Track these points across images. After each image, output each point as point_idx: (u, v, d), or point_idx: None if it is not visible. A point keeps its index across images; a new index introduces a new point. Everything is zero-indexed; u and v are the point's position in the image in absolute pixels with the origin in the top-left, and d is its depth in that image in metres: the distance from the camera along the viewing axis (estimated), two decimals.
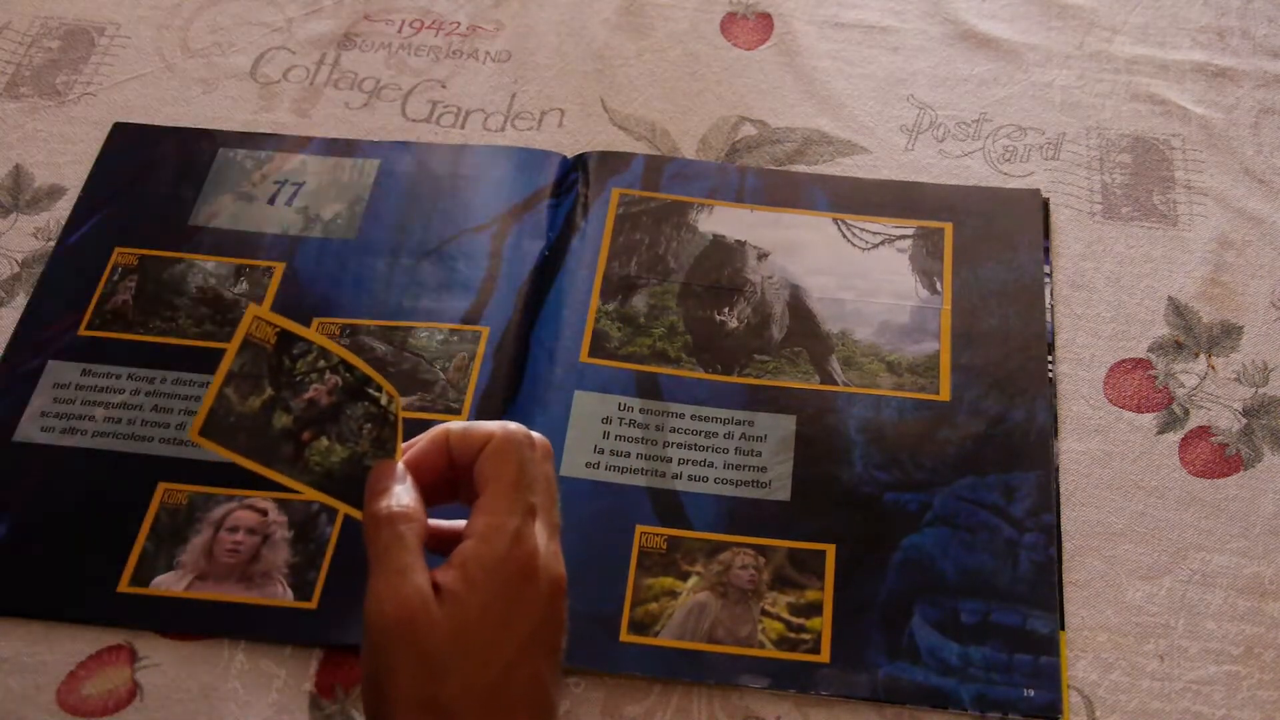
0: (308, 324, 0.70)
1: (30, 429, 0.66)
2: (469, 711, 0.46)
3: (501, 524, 0.49)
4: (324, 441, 0.53)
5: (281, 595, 0.61)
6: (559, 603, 0.50)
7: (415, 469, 0.51)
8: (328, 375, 0.53)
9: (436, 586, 0.47)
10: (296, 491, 0.52)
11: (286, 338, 0.52)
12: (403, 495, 0.50)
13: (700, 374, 0.68)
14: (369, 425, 0.53)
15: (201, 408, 0.51)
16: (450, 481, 0.52)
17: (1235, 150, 0.77)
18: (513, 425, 0.51)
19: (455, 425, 0.52)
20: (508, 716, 0.47)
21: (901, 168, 0.77)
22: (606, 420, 0.66)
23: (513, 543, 0.48)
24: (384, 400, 0.53)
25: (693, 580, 0.62)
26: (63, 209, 0.75)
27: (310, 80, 0.82)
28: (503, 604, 0.48)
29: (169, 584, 0.62)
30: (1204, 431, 0.67)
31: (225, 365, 0.51)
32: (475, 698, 0.47)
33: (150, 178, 0.77)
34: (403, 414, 0.53)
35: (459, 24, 0.85)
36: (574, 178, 0.75)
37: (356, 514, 0.52)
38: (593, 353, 0.68)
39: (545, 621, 0.49)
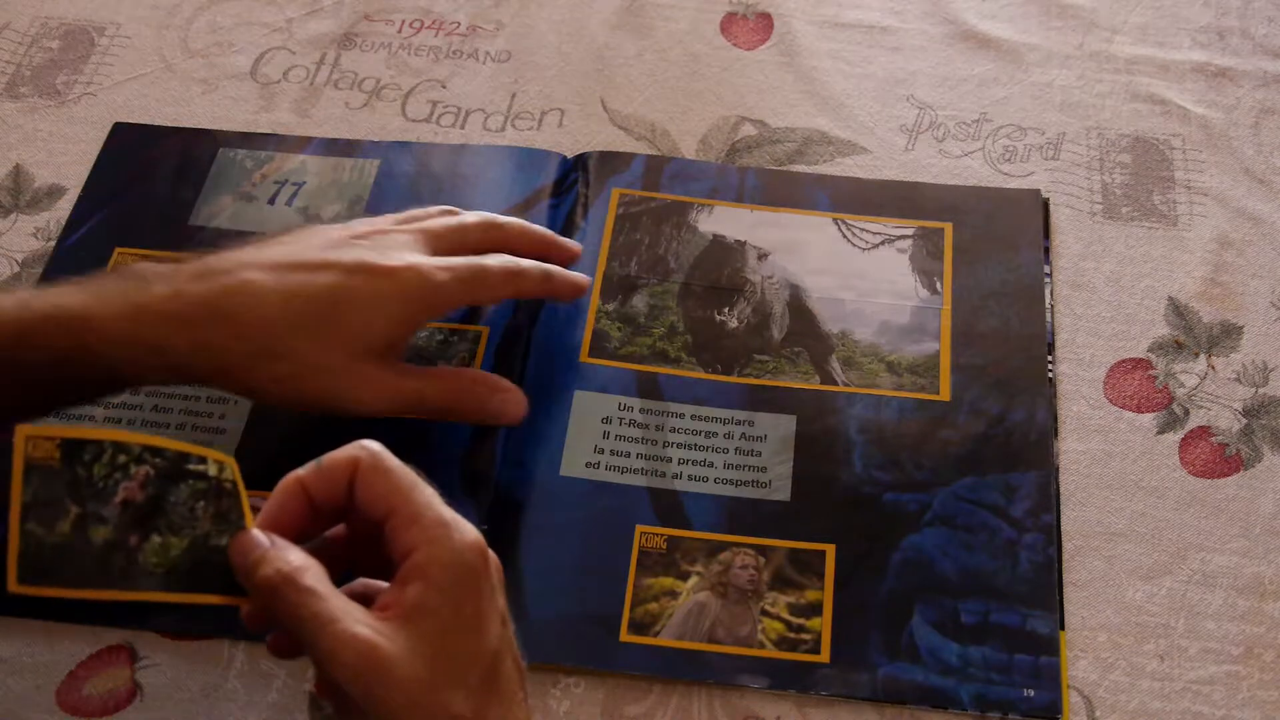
0: None
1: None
2: (476, 714, 0.45)
3: (436, 519, 0.47)
4: (155, 539, 0.47)
5: None
6: (503, 581, 0.49)
7: (276, 529, 0.48)
8: (133, 469, 0.47)
9: (390, 611, 0.45)
10: (156, 604, 0.47)
11: (72, 447, 0.46)
12: (284, 551, 0.46)
13: (700, 374, 0.68)
14: (202, 503, 0.48)
15: (9, 557, 0.44)
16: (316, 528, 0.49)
17: (1235, 150, 0.77)
18: (365, 441, 0.48)
19: (302, 469, 0.49)
20: (510, 700, 0.47)
21: (901, 168, 0.77)
22: (606, 420, 0.66)
23: (456, 533, 0.47)
24: (212, 471, 0.48)
25: (693, 580, 0.62)
26: (63, 209, 0.75)
27: (310, 80, 0.82)
28: (474, 597, 0.47)
29: None
30: (1204, 431, 0.67)
31: (16, 499, 0.45)
32: (476, 704, 0.46)
33: (150, 178, 0.77)
34: (240, 480, 0.48)
35: (459, 24, 0.85)
36: (574, 178, 0.75)
37: (234, 601, 0.48)
38: (593, 353, 0.68)
39: (502, 594, 0.49)
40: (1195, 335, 0.70)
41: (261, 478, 0.64)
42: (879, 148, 0.78)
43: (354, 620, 0.44)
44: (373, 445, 0.48)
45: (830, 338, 0.69)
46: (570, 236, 0.72)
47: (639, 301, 0.70)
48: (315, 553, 0.47)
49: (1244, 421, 0.67)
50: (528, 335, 0.69)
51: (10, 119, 0.80)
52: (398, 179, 0.76)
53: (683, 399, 0.67)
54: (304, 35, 0.84)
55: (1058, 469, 0.65)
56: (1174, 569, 0.62)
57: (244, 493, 0.49)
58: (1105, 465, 0.66)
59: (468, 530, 0.47)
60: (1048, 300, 0.70)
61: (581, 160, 0.76)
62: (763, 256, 0.72)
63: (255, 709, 0.59)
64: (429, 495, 0.48)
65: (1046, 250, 0.73)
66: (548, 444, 0.66)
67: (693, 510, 0.63)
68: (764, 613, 0.61)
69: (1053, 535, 0.63)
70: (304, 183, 0.76)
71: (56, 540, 0.45)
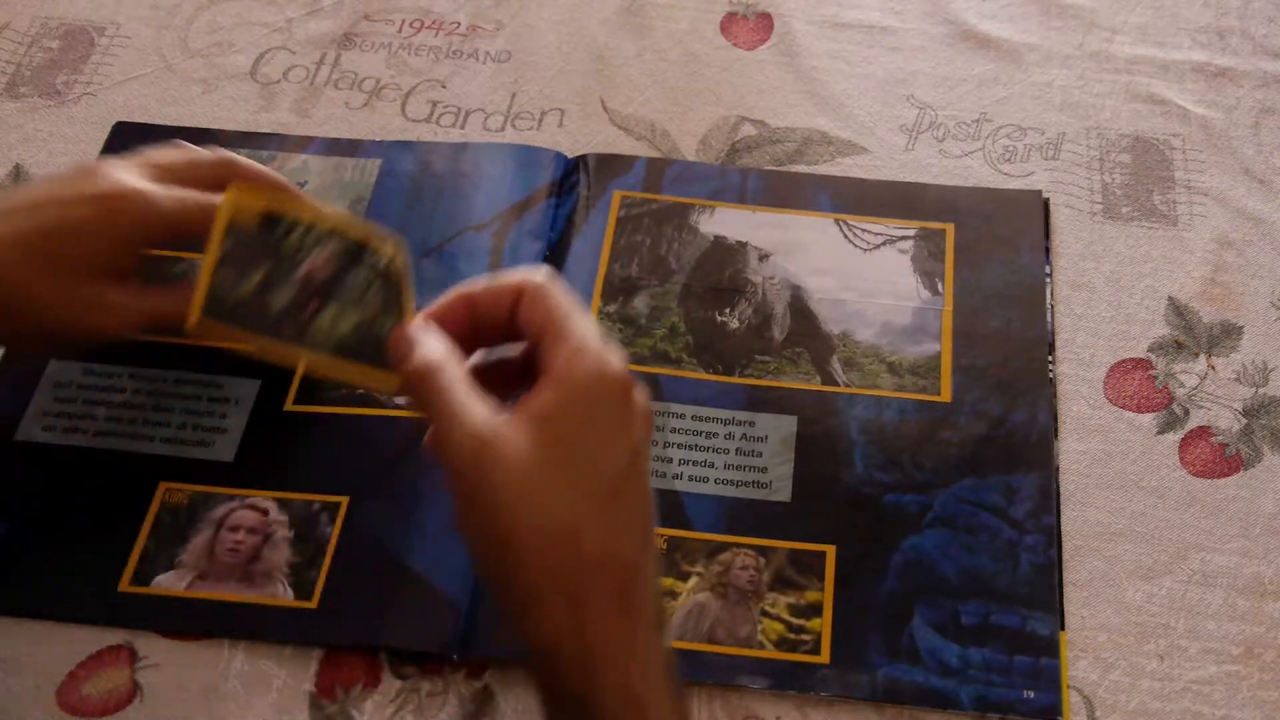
0: None
1: (31, 428, 0.66)
2: (589, 522, 0.45)
3: (584, 337, 0.47)
4: (330, 311, 0.52)
5: (282, 595, 0.61)
6: (651, 430, 0.49)
7: (440, 320, 0.50)
8: (319, 248, 0.52)
9: (519, 412, 0.46)
10: (313, 371, 0.51)
11: (271, 220, 0.52)
12: (431, 343, 0.48)
13: (701, 374, 0.68)
14: (374, 287, 0.52)
15: (197, 294, 0.50)
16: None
17: (1235, 150, 0.77)
18: (535, 270, 0.49)
19: (475, 284, 0.50)
20: (630, 524, 0.46)
21: (901, 168, 0.77)
22: None
23: (602, 355, 0.47)
24: (383, 262, 0.53)
25: (693, 580, 0.62)
26: None
27: (310, 80, 0.82)
28: (605, 416, 0.46)
29: (169, 583, 0.62)
30: (1204, 431, 0.67)
31: (213, 252, 0.51)
32: (589, 510, 0.45)
33: None
34: (408, 269, 0.52)
35: (459, 24, 0.85)
36: (575, 179, 0.75)
37: (382, 385, 0.52)
38: None
39: (646, 443, 0.48)
40: (1195, 335, 0.70)
41: (262, 478, 0.65)
42: (879, 148, 0.78)
43: (477, 415, 0.46)
44: (540, 274, 0.49)
45: (831, 338, 0.69)
46: (571, 238, 0.73)
47: (640, 303, 0.70)
48: (486, 368, 0.50)
49: (1244, 421, 0.67)
50: None
51: (10, 119, 0.80)
52: (400, 178, 0.76)
53: (684, 400, 0.67)
54: (304, 35, 0.84)
55: (1058, 469, 0.65)
56: (1174, 569, 0.62)
57: (409, 282, 0.53)
58: (1105, 465, 0.66)
59: (615, 357, 0.47)
60: (1048, 300, 0.70)
61: (582, 161, 0.76)
62: (764, 257, 0.72)
63: (255, 709, 0.59)
64: (586, 321, 0.48)
65: (1047, 250, 0.73)
66: None
67: (693, 511, 0.63)
68: (764, 613, 0.61)
69: (1053, 537, 0.63)
70: (305, 182, 0.76)
71: (240, 294, 0.51)
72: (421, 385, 0.47)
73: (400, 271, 0.52)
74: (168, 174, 0.60)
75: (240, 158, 0.63)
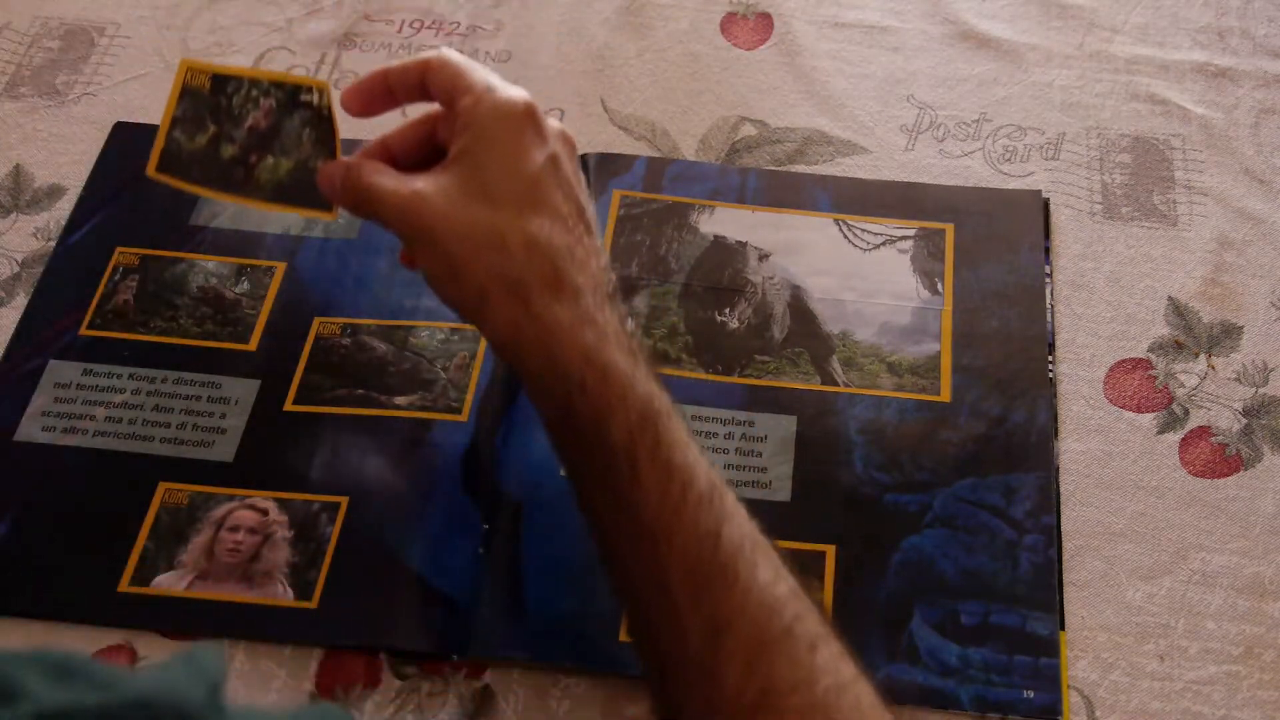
0: (310, 323, 0.70)
1: (31, 428, 0.66)
2: (510, 224, 0.52)
3: (484, 83, 0.55)
4: (269, 160, 0.60)
5: (282, 595, 0.61)
6: (572, 147, 0.57)
7: (360, 102, 0.59)
8: (261, 100, 0.60)
9: (439, 165, 0.55)
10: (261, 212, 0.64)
11: (220, 80, 0.60)
12: (351, 163, 0.57)
13: (701, 374, 0.68)
14: (307, 130, 0.60)
15: (154, 149, 0.60)
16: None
17: (1235, 150, 0.77)
18: (441, 49, 0.57)
19: (390, 64, 0.58)
20: (555, 217, 0.53)
21: (901, 168, 0.77)
22: None
23: (499, 91, 0.55)
24: (315, 99, 0.59)
25: None
26: (63, 209, 0.75)
27: None
28: (513, 136, 0.54)
29: (169, 584, 0.62)
30: (1204, 431, 0.67)
31: (168, 112, 0.60)
32: (509, 214, 0.52)
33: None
34: (333, 107, 0.59)
35: (459, 24, 0.85)
36: None
37: (322, 213, 0.60)
38: None
39: (565, 155, 0.56)
40: (1195, 335, 0.70)
41: (261, 478, 0.65)
42: (879, 148, 0.78)
43: (401, 183, 0.54)
44: (445, 50, 0.57)
45: (831, 338, 0.69)
46: None
47: (640, 302, 0.70)
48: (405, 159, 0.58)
49: (1244, 421, 0.67)
50: None
51: (10, 119, 0.80)
52: None
53: (683, 399, 0.67)
54: (304, 35, 0.84)
55: (1058, 469, 0.65)
56: (1174, 569, 0.62)
57: (336, 119, 0.60)
58: (1105, 465, 0.66)
59: (515, 92, 0.55)
60: (1048, 300, 0.70)
61: (582, 161, 0.76)
62: (764, 257, 0.72)
63: None
64: (484, 72, 0.56)
65: (1047, 250, 0.73)
66: (548, 444, 0.65)
67: None
68: None
69: (1053, 537, 0.63)
70: None
71: (194, 149, 0.60)
72: (350, 185, 0.56)
73: (328, 109, 0.59)
74: None
75: None
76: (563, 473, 0.64)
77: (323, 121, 0.59)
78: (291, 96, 0.59)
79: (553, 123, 0.56)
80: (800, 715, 0.44)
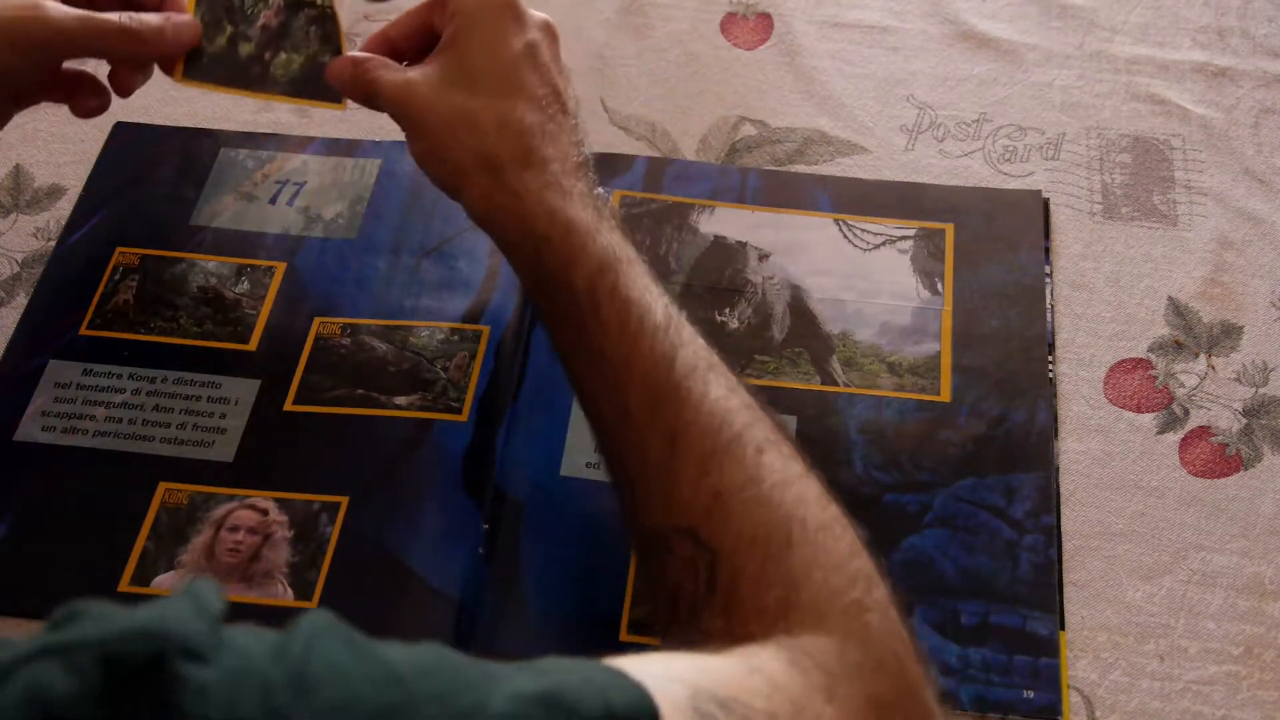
0: (310, 323, 0.70)
1: (31, 429, 0.66)
2: (485, 105, 0.57)
3: None
4: (282, 56, 0.66)
5: (282, 595, 0.61)
6: (553, 35, 0.61)
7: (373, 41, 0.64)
8: (271, 1, 0.66)
9: (430, 55, 0.60)
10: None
11: None
12: (358, 57, 0.62)
13: None
14: (313, 28, 0.65)
15: (177, 59, 0.65)
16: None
17: (1235, 150, 0.77)
18: None
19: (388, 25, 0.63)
20: (524, 103, 0.58)
21: (901, 168, 0.77)
22: None
23: None
24: (319, 1, 0.65)
25: None
26: (63, 209, 0.75)
27: None
28: (492, 26, 0.59)
29: (169, 584, 0.62)
30: (1204, 431, 0.67)
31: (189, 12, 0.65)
32: (486, 97, 0.58)
33: (151, 178, 0.77)
34: (337, 5, 0.65)
35: None
36: None
37: (333, 105, 0.66)
38: None
39: (545, 41, 0.60)
40: (1195, 335, 0.70)
41: (261, 478, 0.65)
42: (879, 148, 0.78)
43: (398, 73, 0.60)
44: None
45: (831, 338, 0.69)
46: None
47: None
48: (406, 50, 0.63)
49: (1244, 421, 0.67)
50: (528, 335, 0.69)
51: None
52: (399, 178, 0.76)
53: None
54: None
55: (1058, 469, 0.65)
56: (1174, 569, 0.62)
57: (341, 18, 0.65)
58: (1105, 465, 0.66)
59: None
60: (1048, 300, 0.70)
61: None
62: (764, 257, 0.72)
63: None
64: None
65: (1047, 250, 0.73)
66: (548, 444, 0.66)
67: None
68: None
69: (1053, 537, 0.63)
70: (305, 182, 0.76)
71: (215, 51, 0.66)
72: (359, 87, 0.62)
73: (333, 9, 0.65)
74: None
75: None
76: (562, 473, 0.64)
77: (327, 20, 0.65)
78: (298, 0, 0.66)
79: (535, 13, 0.61)
80: (746, 507, 0.49)
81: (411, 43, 0.63)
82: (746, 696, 0.40)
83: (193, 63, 0.65)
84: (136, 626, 0.30)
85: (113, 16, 0.62)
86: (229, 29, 0.65)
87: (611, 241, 0.56)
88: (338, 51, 0.65)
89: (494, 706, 0.33)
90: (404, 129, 0.60)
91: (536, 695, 0.34)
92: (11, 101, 0.66)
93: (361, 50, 0.63)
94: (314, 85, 0.65)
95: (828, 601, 0.46)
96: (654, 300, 0.55)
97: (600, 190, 0.59)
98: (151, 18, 0.63)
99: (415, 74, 0.59)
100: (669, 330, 0.54)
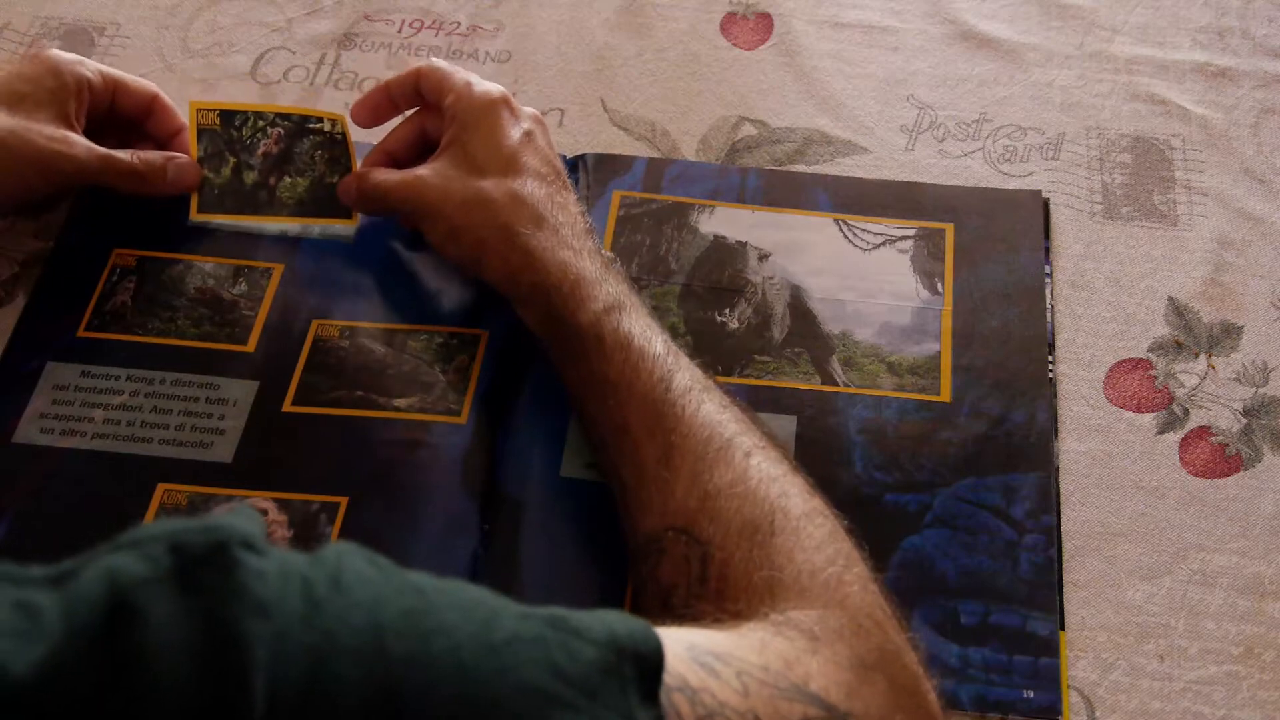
0: (307, 326, 0.70)
1: (29, 430, 0.66)
2: (494, 186, 0.63)
3: (464, 81, 0.66)
4: (287, 180, 0.70)
5: None
6: (543, 125, 0.68)
7: (370, 113, 0.70)
8: (269, 129, 0.70)
9: (434, 155, 0.66)
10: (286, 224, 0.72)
11: (227, 115, 0.70)
12: (361, 172, 0.69)
13: None
14: (319, 152, 0.69)
15: (193, 196, 0.70)
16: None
17: (1235, 150, 0.77)
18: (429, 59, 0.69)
19: (390, 78, 0.70)
20: (534, 177, 0.64)
21: (901, 168, 0.77)
22: None
23: (476, 86, 0.66)
24: (327, 127, 0.70)
25: None
26: (62, 209, 0.75)
27: (310, 80, 0.82)
28: (489, 121, 0.65)
29: None
30: (1204, 431, 0.67)
31: (192, 154, 0.70)
32: (493, 179, 0.64)
33: None
34: (349, 132, 0.70)
35: (459, 24, 0.85)
36: (574, 179, 0.75)
37: (343, 221, 0.71)
38: None
39: (536, 131, 0.67)
40: (1195, 335, 0.70)
41: (261, 479, 0.65)
42: (879, 148, 0.78)
43: (404, 173, 0.66)
44: (432, 59, 0.69)
45: (831, 338, 0.69)
46: None
47: None
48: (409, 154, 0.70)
49: (1244, 421, 0.67)
50: (528, 337, 0.69)
51: None
52: None
53: None
54: (304, 35, 0.84)
55: (1058, 469, 0.65)
56: (1174, 569, 0.62)
57: (352, 142, 0.70)
58: (1105, 465, 0.65)
59: (490, 85, 0.67)
60: (1048, 300, 0.70)
61: (581, 161, 0.76)
62: (764, 257, 0.72)
63: None
64: (464, 74, 0.67)
65: (1047, 250, 0.72)
66: (548, 444, 0.66)
67: None
68: None
69: (1053, 537, 0.63)
70: None
71: (221, 182, 0.71)
72: (367, 199, 0.68)
73: (345, 135, 0.69)
74: (103, 92, 0.71)
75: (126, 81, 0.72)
76: (562, 474, 0.64)
77: (337, 145, 0.70)
78: (300, 125, 0.69)
79: (526, 108, 0.68)
80: (734, 503, 0.52)
81: (409, 152, 0.69)
82: (740, 653, 0.43)
83: (204, 197, 0.70)
84: (200, 524, 0.34)
85: (125, 156, 0.69)
86: (231, 160, 0.70)
87: (618, 290, 0.61)
88: (348, 170, 0.70)
89: (508, 615, 0.37)
90: (418, 221, 0.66)
91: (545, 615, 0.38)
92: (28, 207, 0.74)
93: (362, 166, 0.70)
94: (322, 204, 0.70)
95: (810, 576, 0.50)
96: (654, 335, 0.60)
97: (606, 251, 0.65)
98: (156, 157, 0.70)
99: (423, 170, 0.65)
100: (667, 359, 0.59)
